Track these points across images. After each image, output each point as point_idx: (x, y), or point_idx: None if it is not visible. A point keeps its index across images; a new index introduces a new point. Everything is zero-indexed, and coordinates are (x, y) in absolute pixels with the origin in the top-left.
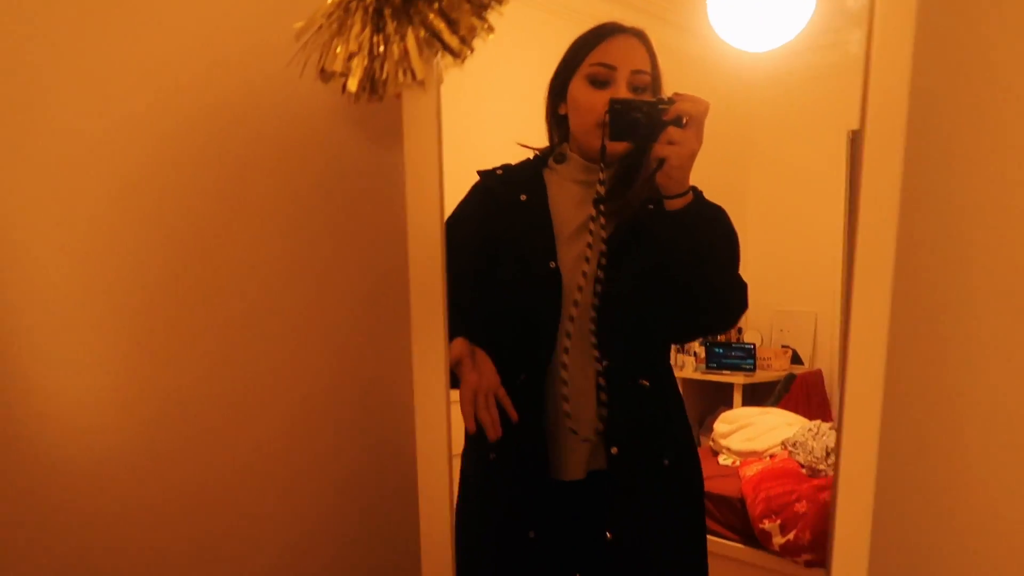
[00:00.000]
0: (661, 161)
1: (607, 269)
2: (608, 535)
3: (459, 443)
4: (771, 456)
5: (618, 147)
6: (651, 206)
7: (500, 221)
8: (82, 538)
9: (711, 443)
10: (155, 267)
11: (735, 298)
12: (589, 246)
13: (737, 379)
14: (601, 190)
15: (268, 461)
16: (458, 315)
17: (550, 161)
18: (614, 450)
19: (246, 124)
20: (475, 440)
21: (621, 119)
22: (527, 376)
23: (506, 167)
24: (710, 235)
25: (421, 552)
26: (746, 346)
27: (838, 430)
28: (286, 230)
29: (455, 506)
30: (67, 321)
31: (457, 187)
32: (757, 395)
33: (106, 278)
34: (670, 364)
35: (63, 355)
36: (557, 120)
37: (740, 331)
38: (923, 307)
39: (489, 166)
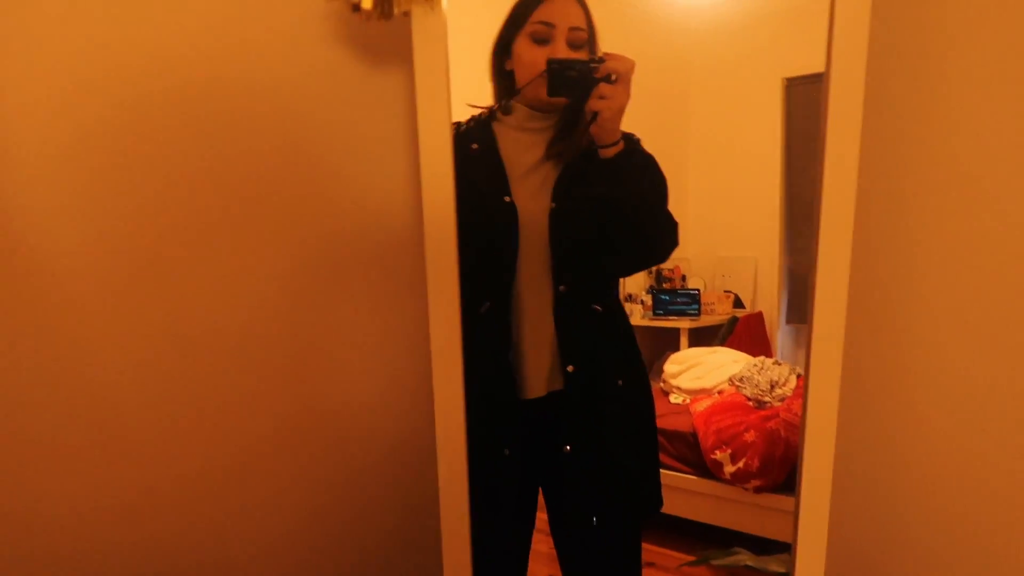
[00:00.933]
0: (594, 114)
1: (557, 202)
2: (567, 448)
3: None
4: (719, 392)
5: (558, 99)
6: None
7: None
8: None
9: (662, 384)
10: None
11: (665, 234)
12: (541, 184)
13: (683, 324)
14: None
15: (283, 447)
16: None
17: (497, 113)
18: (570, 368)
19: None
20: None
21: (557, 77)
22: (492, 303)
23: (456, 123)
24: (640, 180)
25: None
26: (691, 292)
27: (805, 369)
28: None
29: None
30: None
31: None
32: (702, 338)
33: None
34: (619, 297)
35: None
36: (503, 75)
37: (684, 278)
38: (883, 285)
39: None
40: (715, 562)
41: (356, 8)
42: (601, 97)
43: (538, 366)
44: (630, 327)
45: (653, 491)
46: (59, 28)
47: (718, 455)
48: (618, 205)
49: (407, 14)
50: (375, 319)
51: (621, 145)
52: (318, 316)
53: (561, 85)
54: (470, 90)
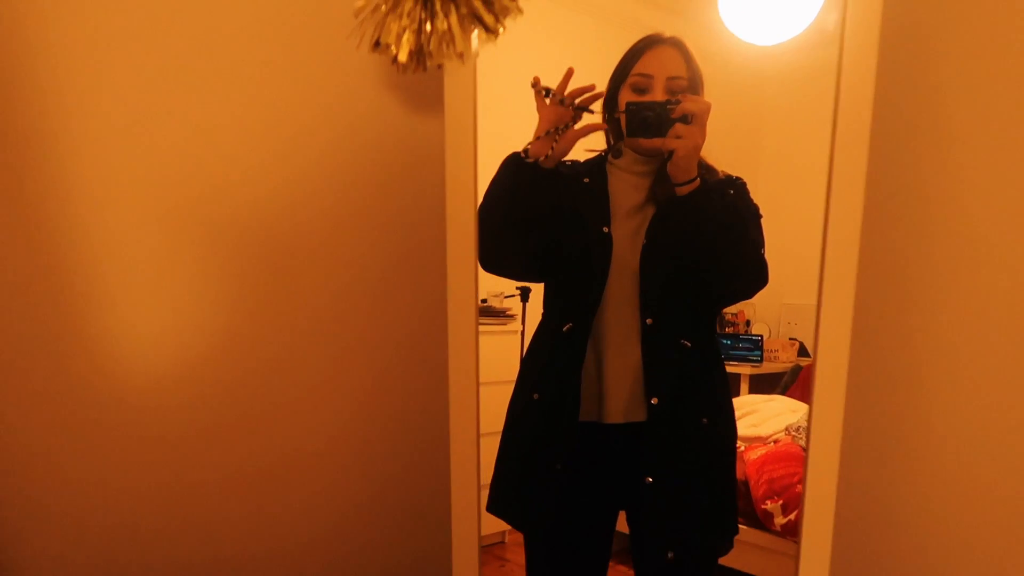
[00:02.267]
0: (670, 153)
1: (649, 239)
2: (648, 480)
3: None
4: (775, 441)
5: (653, 142)
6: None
7: (566, 196)
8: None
9: None
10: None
11: (750, 270)
12: (641, 223)
13: (744, 369)
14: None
15: (318, 452)
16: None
17: (609, 156)
18: (654, 400)
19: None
20: (522, 383)
21: (635, 118)
22: (572, 325)
23: (574, 160)
24: (719, 216)
25: (452, 548)
26: (753, 338)
27: (810, 408)
28: (353, 231)
29: (500, 442)
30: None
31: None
32: (764, 385)
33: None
34: (715, 333)
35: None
36: (613, 123)
37: (748, 323)
38: (889, 297)
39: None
40: None
41: (394, 60)
42: (677, 136)
43: (618, 394)
44: (722, 366)
45: (728, 530)
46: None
47: (769, 505)
48: (699, 239)
49: (441, 67)
50: (400, 334)
51: (697, 183)
52: (357, 331)
53: (638, 126)
54: (503, 131)
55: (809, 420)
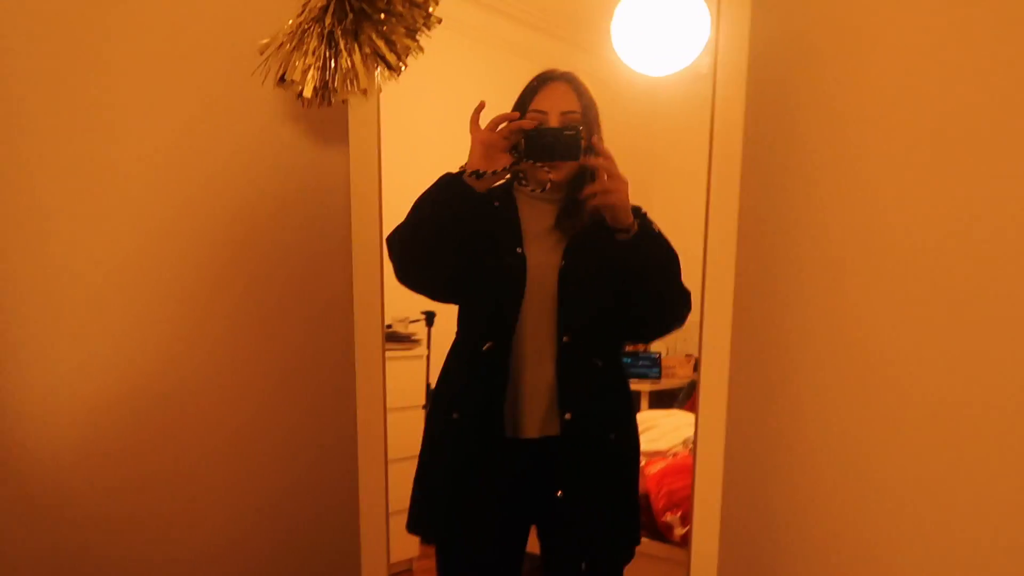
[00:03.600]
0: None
1: (567, 261)
2: (559, 493)
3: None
4: (674, 454)
5: (558, 174)
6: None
7: (476, 220)
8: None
9: None
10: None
11: (678, 305)
12: (554, 244)
13: (644, 386)
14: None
15: (225, 458)
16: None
17: (516, 183)
18: (567, 416)
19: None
20: (439, 403)
21: (533, 143)
22: (492, 344)
23: (478, 172)
24: (654, 258)
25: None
26: (652, 355)
27: (696, 416)
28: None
29: (417, 464)
30: (70, 328)
31: (397, 184)
32: (663, 401)
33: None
34: (621, 354)
35: (66, 357)
36: (518, 153)
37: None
38: (763, 310)
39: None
40: None
41: (299, 95)
42: (605, 192)
43: (533, 409)
44: (628, 386)
45: (634, 540)
46: None
47: (668, 517)
48: (633, 278)
49: (345, 101)
50: (307, 356)
51: (636, 226)
52: (262, 352)
53: (538, 149)
54: (408, 163)
55: (696, 426)
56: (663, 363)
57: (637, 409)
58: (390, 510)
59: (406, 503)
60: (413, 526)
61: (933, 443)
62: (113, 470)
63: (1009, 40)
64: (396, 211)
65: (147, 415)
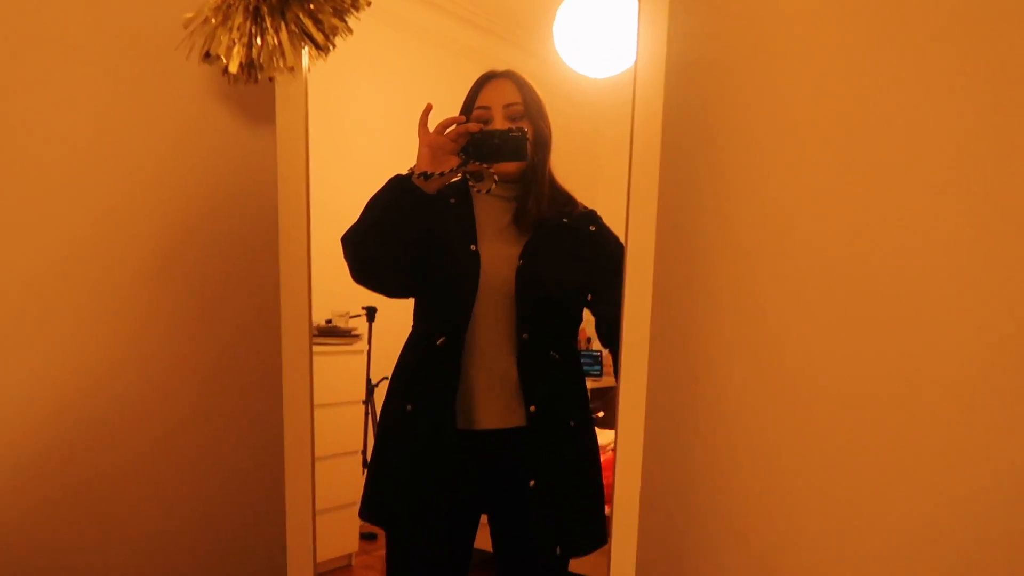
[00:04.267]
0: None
1: (525, 260)
2: (532, 483)
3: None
4: (613, 449)
5: (508, 168)
6: (565, 219)
7: (431, 216)
8: None
9: None
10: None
11: None
12: (510, 242)
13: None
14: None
15: (147, 460)
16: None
17: (471, 182)
18: (532, 408)
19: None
20: (393, 394)
21: (479, 145)
22: (445, 340)
23: (426, 173)
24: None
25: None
26: (593, 353)
27: (616, 403)
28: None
29: (370, 456)
30: None
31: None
32: (603, 398)
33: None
34: (576, 346)
35: None
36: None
37: (589, 340)
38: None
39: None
40: None
41: (224, 71)
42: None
43: (490, 402)
44: (583, 376)
45: (601, 525)
46: None
47: (607, 511)
48: (601, 272)
49: (272, 79)
50: (233, 349)
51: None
52: (191, 342)
53: (485, 151)
54: (352, 160)
55: (616, 419)
56: (603, 361)
57: None
58: (333, 505)
59: (350, 498)
60: (365, 512)
61: (839, 430)
62: (45, 473)
63: (906, 52)
64: (334, 204)
65: (74, 418)
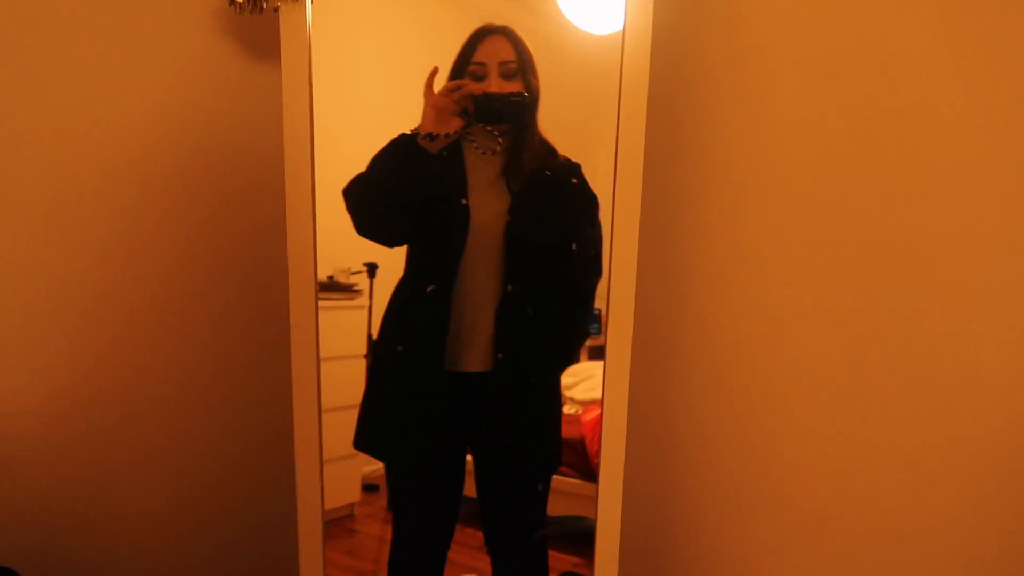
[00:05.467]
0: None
1: (513, 215)
2: (492, 421)
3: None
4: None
5: (506, 138)
6: (548, 172)
7: (425, 167)
8: None
9: None
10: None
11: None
12: (499, 195)
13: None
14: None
15: (162, 400)
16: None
17: (473, 142)
18: (500, 355)
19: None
20: (385, 334)
21: (483, 108)
22: (435, 288)
23: (431, 134)
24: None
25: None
26: (593, 312)
27: (604, 363)
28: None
29: (365, 387)
30: None
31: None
32: (602, 356)
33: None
34: (554, 306)
35: None
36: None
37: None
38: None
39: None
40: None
41: (231, 2)
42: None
43: (472, 346)
44: (556, 337)
45: (554, 457)
46: None
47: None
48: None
49: (277, 10)
50: (241, 297)
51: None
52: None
53: (487, 114)
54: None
55: (604, 373)
56: (603, 320)
57: (576, 360)
58: (335, 456)
59: (351, 449)
60: (359, 442)
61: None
62: (62, 431)
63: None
64: (332, 159)
65: (86, 372)
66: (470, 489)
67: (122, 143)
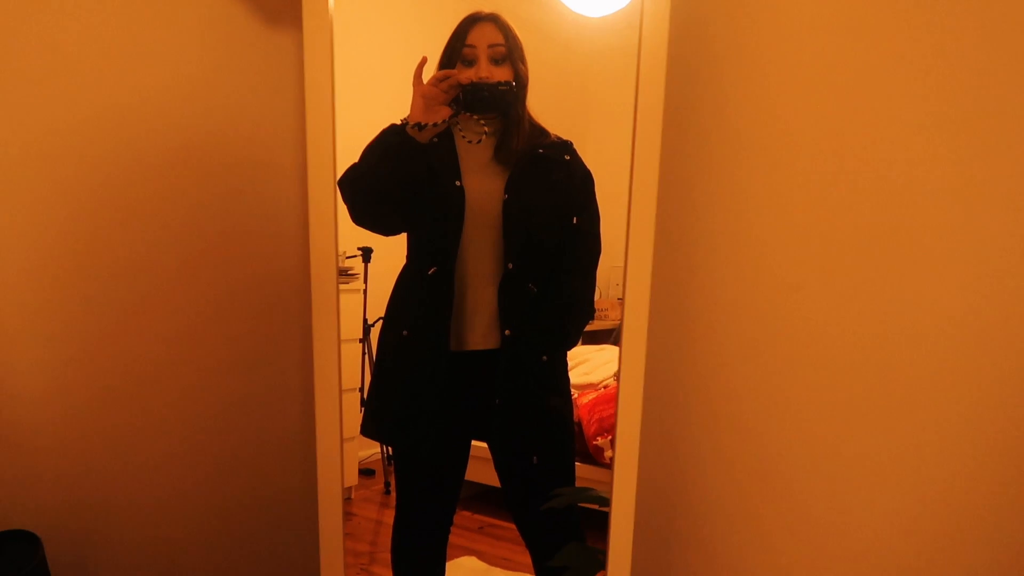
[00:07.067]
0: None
1: (510, 194)
2: (497, 401)
3: None
4: (605, 386)
5: (492, 126)
6: (540, 150)
7: (415, 155)
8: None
9: None
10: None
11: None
12: (494, 177)
13: None
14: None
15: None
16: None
17: (461, 131)
18: (507, 332)
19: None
20: (391, 320)
21: (471, 96)
22: (436, 269)
23: (420, 124)
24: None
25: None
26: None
27: (620, 355)
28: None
29: (372, 375)
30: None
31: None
32: (596, 341)
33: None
34: (560, 286)
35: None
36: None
37: None
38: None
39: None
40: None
41: None
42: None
43: (476, 325)
44: (561, 315)
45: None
46: None
47: (599, 441)
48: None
49: None
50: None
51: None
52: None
53: (475, 102)
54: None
55: (620, 357)
56: (596, 305)
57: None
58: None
59: (349, 433)
60: (369, 430)
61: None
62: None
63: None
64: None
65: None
66: (470, 473)
67: (141, 98)
